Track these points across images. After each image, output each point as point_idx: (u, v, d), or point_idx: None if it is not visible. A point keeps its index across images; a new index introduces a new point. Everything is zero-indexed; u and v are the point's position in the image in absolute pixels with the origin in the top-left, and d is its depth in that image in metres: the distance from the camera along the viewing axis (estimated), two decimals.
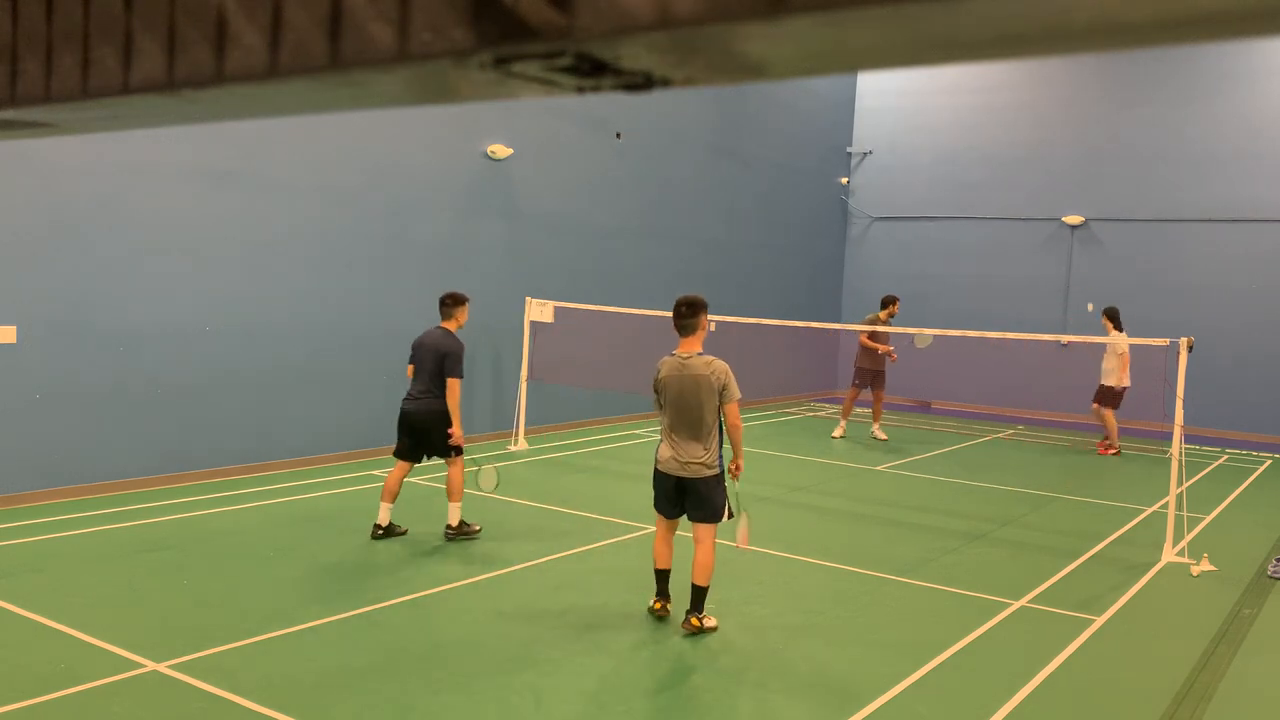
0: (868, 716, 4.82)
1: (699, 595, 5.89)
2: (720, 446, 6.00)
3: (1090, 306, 16.33)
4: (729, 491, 6.07)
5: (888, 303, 13.45)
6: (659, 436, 6.16)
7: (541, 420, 12.58)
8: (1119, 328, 13.01)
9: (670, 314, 6.08)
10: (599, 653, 5.58)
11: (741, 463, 6.13)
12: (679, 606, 6.09)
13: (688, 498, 5.96)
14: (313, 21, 0.79)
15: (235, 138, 9.22)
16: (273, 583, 6.42)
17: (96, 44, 0.95)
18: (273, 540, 7.38)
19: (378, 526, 7.54)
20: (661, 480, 6.02)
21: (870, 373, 13.49)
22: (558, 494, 9.29)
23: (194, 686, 4.80)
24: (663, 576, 6.10)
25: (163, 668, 4.99)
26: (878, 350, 13.35)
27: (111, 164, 8.36)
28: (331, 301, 10.14)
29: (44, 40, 0.99)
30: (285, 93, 0.87)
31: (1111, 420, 13.15)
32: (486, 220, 11.81)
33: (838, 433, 13.66)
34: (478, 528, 7.68)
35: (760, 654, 5.62)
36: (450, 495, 7.55)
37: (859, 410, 15.41)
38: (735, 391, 5.90)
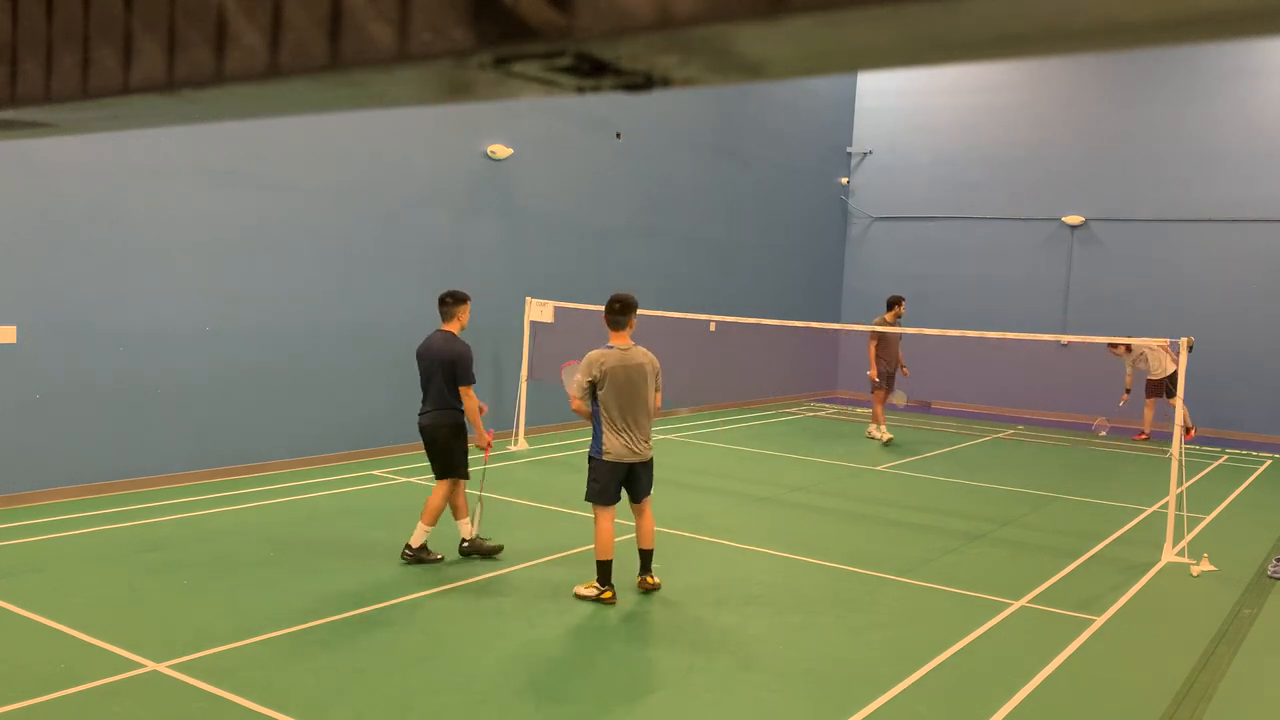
0: (868, 716, 4.82)
1: (650, 558, 6.54)
2: None
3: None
4: None
5: (893, 303, 13.26)
6: (600, 431, 6.43)
7: (541, 420, 12.57)
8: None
9: (603, 309, 6.66)
10: (598, 652, 5.58)
11: None
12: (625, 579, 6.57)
13: (634, 480, 6.44)
14: (313, 21, 0.79)
15: (235, 138, 9.21)
16: (272, 582, 6.42)
17: (96, 44, 0.95)
18: (272, 540, 7.38)
19: (411, 548, 7.00)
20: (614, 470, 6.36)
21: (886, 374, 13.38)
22: (558, 494, 9.29)
23: (194, 686, 4.80)
24: (608, 566, 6.35)
25: (163, 668, 4.99)
26: (874, 361, 13.26)
27: (111, 164, 8.36)
28: (331, 301, 10.14)
29: (44, 40, 0.99)
30: (285, 93, 0.87)
31: (1149, 411, 14.34)
32: (486, 220, 11.81)
33: (885, 437, 13.35)
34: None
35: (760, 653, 5.62)
36: (424, 516, 6.90)
37: (858, 410, 15.40)
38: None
